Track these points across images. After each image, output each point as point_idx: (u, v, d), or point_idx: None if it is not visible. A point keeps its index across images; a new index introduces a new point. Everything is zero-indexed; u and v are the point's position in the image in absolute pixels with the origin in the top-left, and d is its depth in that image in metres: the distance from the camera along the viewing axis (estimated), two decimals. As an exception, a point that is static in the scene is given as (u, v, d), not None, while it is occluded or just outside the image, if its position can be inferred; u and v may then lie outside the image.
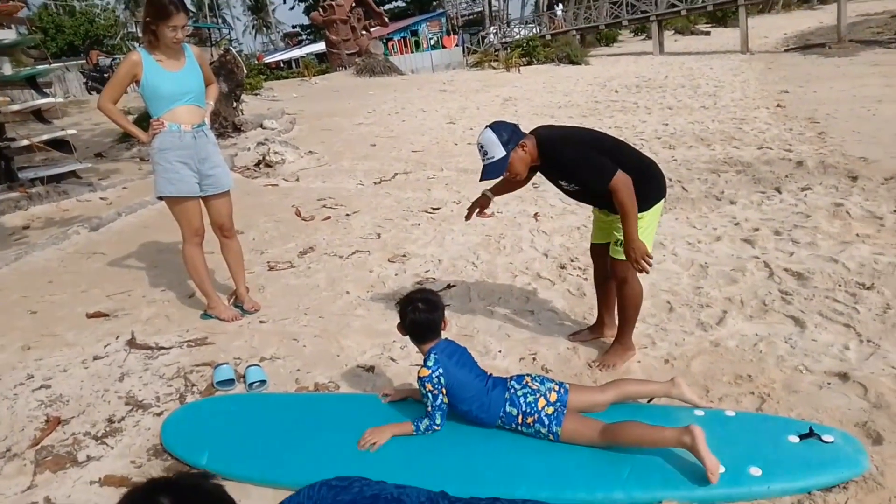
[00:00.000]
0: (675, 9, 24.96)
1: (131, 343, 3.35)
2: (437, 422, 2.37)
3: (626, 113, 10.85)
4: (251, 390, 2.86)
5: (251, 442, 2.40)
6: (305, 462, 2.27)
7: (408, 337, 2.46)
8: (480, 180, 2.78)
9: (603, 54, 26.90)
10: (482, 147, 2.70)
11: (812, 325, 3.09)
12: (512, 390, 2.34)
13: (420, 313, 2.38)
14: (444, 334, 2.46)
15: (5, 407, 2.76)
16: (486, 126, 2.74)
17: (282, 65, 36.72)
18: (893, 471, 2.03)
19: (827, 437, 2.10)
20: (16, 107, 6.46)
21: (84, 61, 24.76)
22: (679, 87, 13.57)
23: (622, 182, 2.53)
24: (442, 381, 2.33)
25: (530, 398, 2.30)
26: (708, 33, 32.92)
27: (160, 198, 3.42)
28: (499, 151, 2.66)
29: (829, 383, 2.59)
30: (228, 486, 2.16)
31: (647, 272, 2.68)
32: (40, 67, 7.05)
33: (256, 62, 31.77)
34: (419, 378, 2.36)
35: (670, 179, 5.82)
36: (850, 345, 2.87)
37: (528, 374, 2.43)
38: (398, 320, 2.46)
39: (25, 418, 2.68)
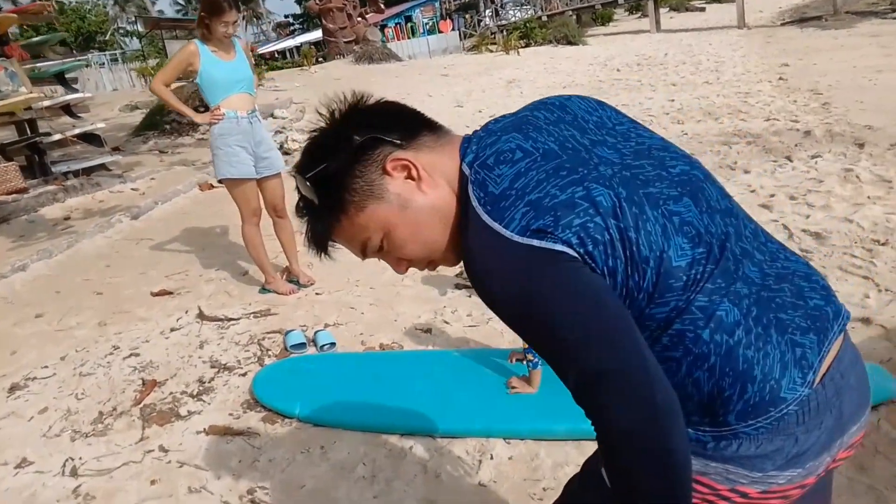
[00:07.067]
0: (671, -14, 25.06)
1: (201, 316, 3.60)
2: None
3: (630, 91, 11.03)
4: (322, 352, 3.12)
5: (335, 393, 2.66)
6: (386, 408, 2.53)
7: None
8: None
9: (600, 34, 27.00)
10: None
11: (833, 278, 3.34)
12: None
13: None
14: None
15: (101, 373, 3.02)
16: None
17: (276, 55, 36.72)
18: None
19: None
20: (48, 102, 6.66)
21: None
22: (681, 64, 13.74)
23: None
24: None
25: None
26: (703, 9, 33.01)
27: (220, 181, 3.66)
28: None
29: (852, 327, 2.85)
30: (321, 431, 2.45)
31: None
32: (68, 63, 7.24)
33: (252, 53, 31.78)
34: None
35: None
36: (869, 294, 3.13)
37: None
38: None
39: (123, 382, 2.94)
